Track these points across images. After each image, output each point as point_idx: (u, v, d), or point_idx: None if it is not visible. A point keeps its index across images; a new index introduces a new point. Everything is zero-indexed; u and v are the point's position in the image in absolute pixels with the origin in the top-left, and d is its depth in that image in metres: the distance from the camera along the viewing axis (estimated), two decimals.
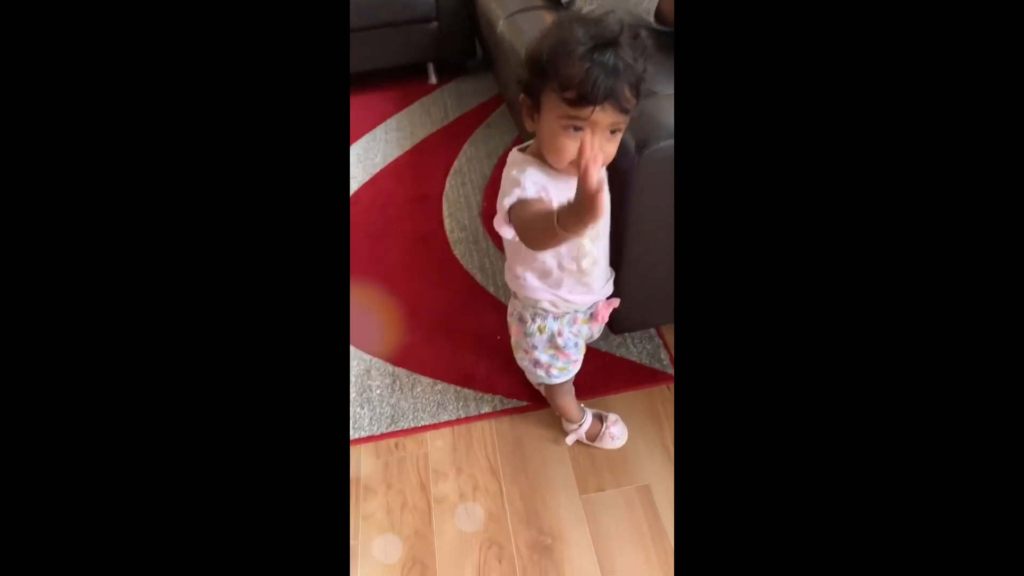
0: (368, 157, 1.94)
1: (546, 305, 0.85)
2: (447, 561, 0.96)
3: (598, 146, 0.65)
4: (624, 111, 0.64)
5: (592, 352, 1.17)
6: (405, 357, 1.28)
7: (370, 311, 1.40)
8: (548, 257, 0.79)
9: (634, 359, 1.23)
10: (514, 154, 0.76)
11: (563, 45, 0.62)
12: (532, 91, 0.68)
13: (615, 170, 0.84)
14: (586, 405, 1.10)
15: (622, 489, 1.03)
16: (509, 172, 0.73)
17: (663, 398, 1.16)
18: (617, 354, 1.24)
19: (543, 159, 0.72)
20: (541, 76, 0.65)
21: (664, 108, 0.86)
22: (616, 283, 0.93)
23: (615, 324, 1.22)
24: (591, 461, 1.07)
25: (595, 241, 0.80)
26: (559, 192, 0.71)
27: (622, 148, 0.86)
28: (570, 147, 0.66)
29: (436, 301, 1.41)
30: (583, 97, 0.61)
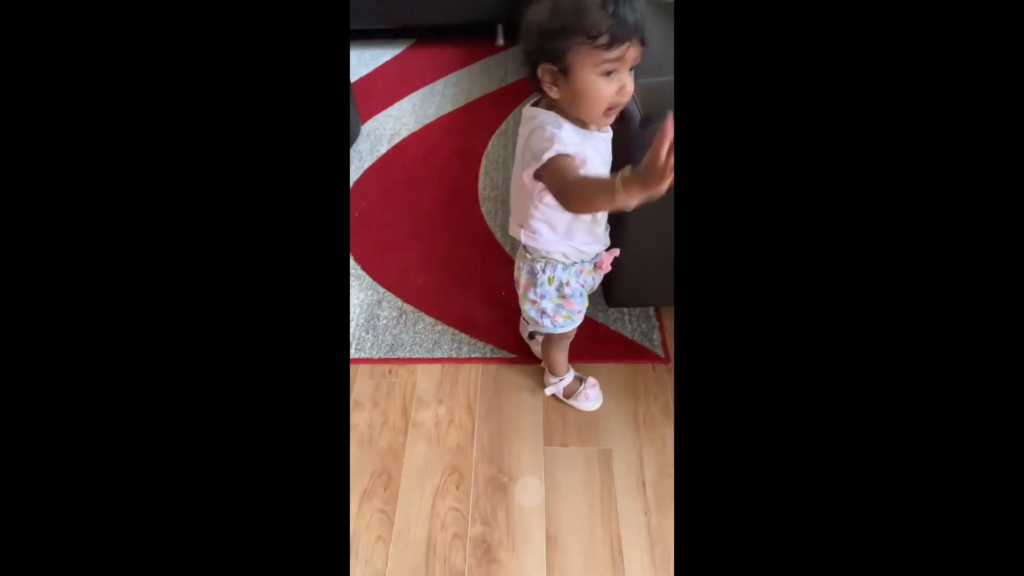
0: (422, 108, 2.02)
1: (558, 256, 0.90)
2: (411, 477, 1.06)
3: (628, 84, 0.73)
4: (644, 43, 0.72)
5: (588, 321, 1.22)
6: (415, 295, 1.37)
7: (392, 250, 1.49)
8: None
9: (627, 335, 1.27)
10: (534, 110, 0.80)
11: (578, 3, 0.69)
12: (556, 57, 0.73)
13: (620, 139, 0.88)
14: (572, 366, 1.16)
15: (585, 448, 1.09)
16: (540, 128, 0.77)
17: (646, 376, 1.20)
18: (613, 327, 1.29)
19: (565, 118, 0.77)
20: (564, 37, 0.71)
21: (670, 85, 0.88)
22: (614, 254, 0.97)
23: (611, 297, 1.26)
24: (562, 418, 1.14)
25: None
26: (591, 147, 0.78)
27: (628, 120, 0.89)
28: (607, 91, 0.73)
29: (454, 250, 1.49)
30: (616, 38, 0.69)
